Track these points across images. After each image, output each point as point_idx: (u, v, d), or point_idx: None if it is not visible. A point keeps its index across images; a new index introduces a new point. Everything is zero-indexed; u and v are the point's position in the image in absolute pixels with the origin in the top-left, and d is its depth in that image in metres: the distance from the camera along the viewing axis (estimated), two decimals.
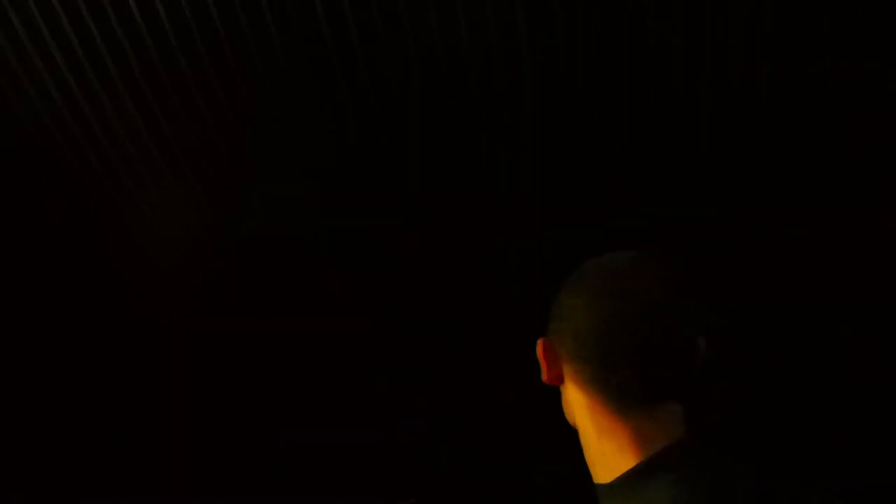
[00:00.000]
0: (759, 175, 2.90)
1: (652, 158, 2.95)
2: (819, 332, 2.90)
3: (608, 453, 0.83)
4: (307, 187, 2.94)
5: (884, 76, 2.62)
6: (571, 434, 2.99)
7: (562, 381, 0.90)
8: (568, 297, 0.86)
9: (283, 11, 2.70)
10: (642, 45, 2.70)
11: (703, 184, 2.98)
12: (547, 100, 2.85)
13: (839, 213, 2.83)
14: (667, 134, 2.91)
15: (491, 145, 2.95)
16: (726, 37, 2.64)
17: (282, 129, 2.87)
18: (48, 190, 2.72)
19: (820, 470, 2.75)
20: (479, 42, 2.74)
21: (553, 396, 2.98)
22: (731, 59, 2.70)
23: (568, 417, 0.92)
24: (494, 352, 3.07)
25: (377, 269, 3.09)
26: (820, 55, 2.66)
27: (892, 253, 2.80)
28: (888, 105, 2.65)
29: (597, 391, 0.82)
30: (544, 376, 0.92)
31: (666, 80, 2.79)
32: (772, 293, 2.95)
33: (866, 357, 2.83)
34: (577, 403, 0.87)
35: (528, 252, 3.07)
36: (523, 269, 3.05)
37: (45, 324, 2.75)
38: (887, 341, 2.82)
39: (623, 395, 0.81)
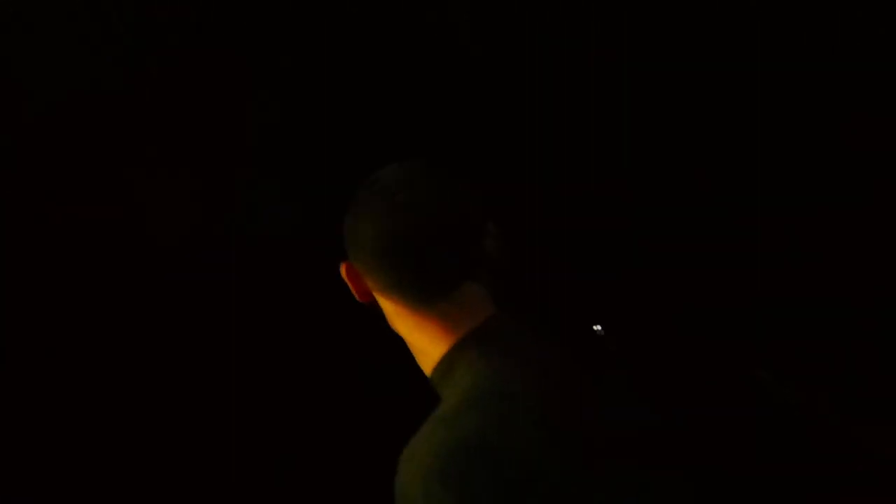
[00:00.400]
0: (759, 174, 2.90)
1: (652, 158, 2.94)
2: (818, 330, 2.90)
3: (425, 348, 0.91)
4: (305, 187, 2.94)
5: (884, 76, 2.62)
6: None
7: (371, 296, 0.98)
8: (350, 217, 0.94)
9: (281, 13, 2.69)
10: (643, 44, 2.70)
11: (703, 183, 2.98)
12: (547, 99, 2.85)
13: (839, 213, 2.84)
14: (666, 134, 2.90)
15: (490, 145, 2.95)
16: (727, 37, 2.65)
17: (278, 129, 2.87)
18: (48, 190, 2.72)
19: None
20: (480, 41, 2.74)
21: None
22: (732, 58, 2.70)
23: (394, 328, 0.99)
24: None
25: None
26: (820, 55, 2.66)
27: (891, 252, 2.80)
28: (888, 105, 2.66)
29: (396, 294, 0.90)
30: (355, 296, 0.99)
31: (666, 79, 2.78)
32: (771, 292, 2.96)
33: (866, 355, 2.83)
34: (388, 311, 0.95)
35: (528, 251, 3.07)
36: (522, 268, 3.05)
37: (45, 324, 2.75)
38: (886, 339, 2.83)
39: (418, 290, 0.88)
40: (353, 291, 1.00)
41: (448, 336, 0.90)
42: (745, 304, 2.92)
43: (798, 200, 2.89)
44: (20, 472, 2.58)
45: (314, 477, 2.99)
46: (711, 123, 2.86)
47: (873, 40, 2.59)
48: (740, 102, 2.79)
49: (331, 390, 3.02)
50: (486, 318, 0.90)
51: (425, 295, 0.89)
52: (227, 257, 2.84)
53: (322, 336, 2.98)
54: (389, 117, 2.88)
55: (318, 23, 2.71)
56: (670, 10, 2.64)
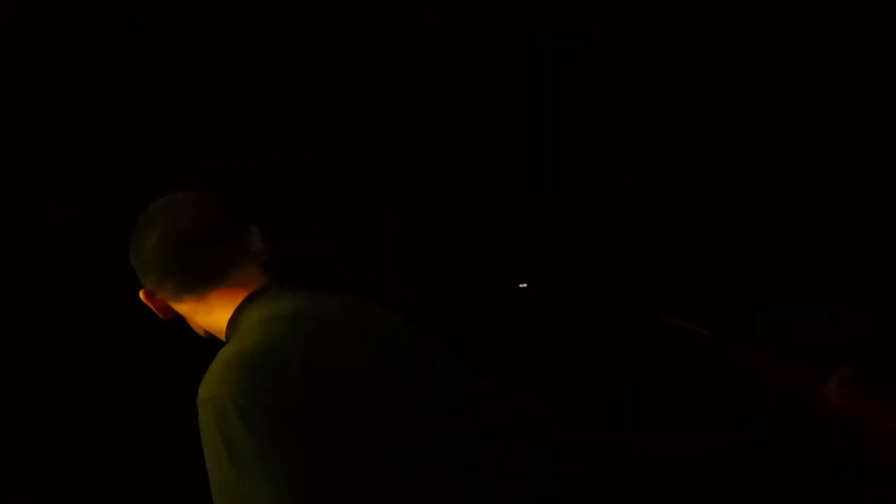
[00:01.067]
0: (759, 174, 2.91)
1: (651, 158, 2.95)
2: (818, 330, 2.90)
3: (219, 325, 1.14)
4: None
5: (884, 76, 2.63)
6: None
7: (170, 309, 1.19)
8: (133, 249, 1.17)
9: (281, 16, 2.70)
10: (643, 44, 2.70)
11: (703, 183, 2.98)
12: (547, 98, 2.86)
13: (839, 213, 2.84)
14: (666, 134, 2.91)
15: (490, 147, 2.95)
16: (727, 37, 2.65)
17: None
18: (48, 190, 2.72)
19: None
20: (480, 41, 2.74)
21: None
22: (732, 59, 2.70)
23: (198, 331, 1.21)
24: (489, 351, 3.07)
25: (372, 269, 3.09)
26: (820, 55, 2.66)
27: (891, 253, 2.81)
28: (888, 105, 2.66)
29: (183, 292, 1.14)
30: (159, 314, 1.21)
31: (666, 79, 2.79)
32: (771, 292, 2.96)
33: (864, 355, 2.83)
34: (187, 313, 1.18)
35: (525, 252, 3.07)
36: (518, 268, 3.05)
37: (44, 324, 2.74)
38: (885, 339, 2.83)
39: (197, 281, 1.12)
40: (155, 311, 1.20)
41: (231, 307, 1.13)
42: (745, 303, 2.92)
43: (798, 201, 2.90)
44: (19, 466, 2.58)
45: None
46: (711, 123, 2.86)
47: (873, 40, 2.60)
48: (740, 102, 2.79)
49: None
50: (257, 287, 1.13)
51: (204, 283, 1.13)
52: None
53: None
54: (389, 111, 2.88)
55: (318, 23, 2.71)
56: (670, 10, 2.65)
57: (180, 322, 1.22)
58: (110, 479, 2.62)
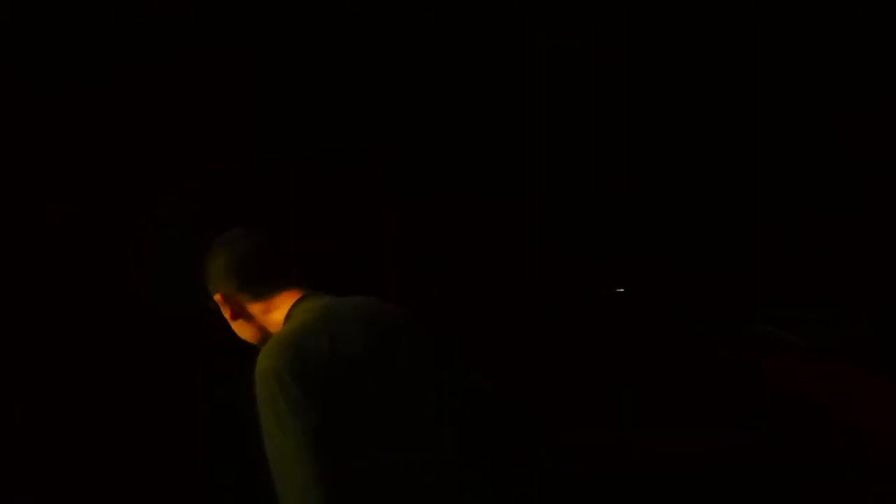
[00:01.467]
0: (759, 175, 2.91)
1: (651, 158, 2.95)
2: (818, 330, 2.91)
3: (280, 321, 1.46)
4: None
5: (884, 76, 2.63)
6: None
7: (244, 311, 1.52)
8: (209, 263, 1.54)
9: (281, 16, 2.70)
10: (643, 44, 2.71)
11: (703, 183, 2.98)
12: (546, 99, 2.86)
13: (839, 213, 2.84)
14: (666, 134, 2.91)
15: (490, 147, 2.96)
16: (727, 37, 2.65)
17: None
18: (48, 190, 2.72)
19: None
20: (480, 41, 2.74)
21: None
22: (732, 59, 2.71)
23: (257, 335, 1.52)
24: (489, 351, 3.07)
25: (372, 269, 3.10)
26: (820, 55, 2.66)
27: (891, 253, 2.81)
28: (888, 105, 2.66)
29: (253, 299, 1.50)
30: (231, 318, 1.53)
31: (666, 79, 2.79)
32: (771, 292, 2.96)
33: (865, 354, 2.83)
34: (259, 311, 1.51)
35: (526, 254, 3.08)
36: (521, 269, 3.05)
37: (44, 324, 2.75)
38: (885, 338, 2.83)
39: (268, 290, 1.49)
40: (229, 314, 1.53)
41: (288, 306, 1.47)
42: (745, 303, 2.93)
43: (798, 200, 2.90)
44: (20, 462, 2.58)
45: None
46: (711, 123, 2.86)
47: (873, 40, 2.60)
48: (740, 103, 2.79)
49: None
50: (302, 294, 1.47)
51: (270, 289, 1.49)
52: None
53: None
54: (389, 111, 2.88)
55: (318, 23, 2.72)
56: (670, 10, 2.65)
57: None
58: (110, 478, 2.62)
